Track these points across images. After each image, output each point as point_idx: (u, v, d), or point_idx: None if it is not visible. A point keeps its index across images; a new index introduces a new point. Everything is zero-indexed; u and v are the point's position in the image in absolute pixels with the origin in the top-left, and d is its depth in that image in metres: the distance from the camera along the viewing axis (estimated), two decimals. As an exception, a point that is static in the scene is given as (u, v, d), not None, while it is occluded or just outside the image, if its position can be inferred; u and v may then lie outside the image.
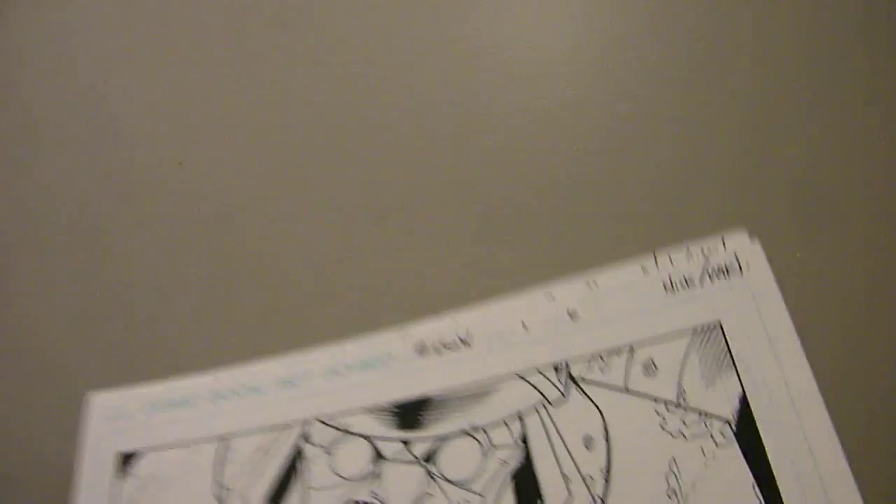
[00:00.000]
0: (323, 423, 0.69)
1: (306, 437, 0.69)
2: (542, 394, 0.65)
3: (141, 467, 0.72)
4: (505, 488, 0.63)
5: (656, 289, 0.66)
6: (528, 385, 0.66)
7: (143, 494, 0.71)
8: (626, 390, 0.63)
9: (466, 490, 0.64)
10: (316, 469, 0.68)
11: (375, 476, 0.66)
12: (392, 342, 0.71)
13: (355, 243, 0.76)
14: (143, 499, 0.71)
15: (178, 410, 0.74)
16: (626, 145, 0.74)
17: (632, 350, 0.64)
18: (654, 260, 0.67)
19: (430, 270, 0.73)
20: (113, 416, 0.76)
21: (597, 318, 0.66)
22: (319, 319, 0.75)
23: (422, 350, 0.70)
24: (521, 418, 0.65)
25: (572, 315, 0.67)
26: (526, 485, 0.63)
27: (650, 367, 0.63)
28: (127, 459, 0.73)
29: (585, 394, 0.64)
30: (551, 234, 0.72)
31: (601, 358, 0.65)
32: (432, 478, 0.65)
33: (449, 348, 0.69)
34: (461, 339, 0.69)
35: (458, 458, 0.65)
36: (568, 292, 0.68)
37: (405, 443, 0.66)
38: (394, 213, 0.77)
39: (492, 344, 0.68)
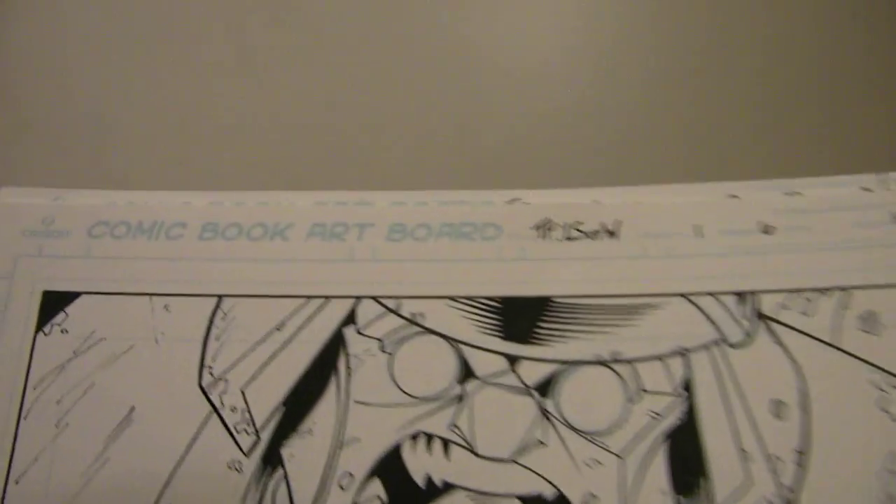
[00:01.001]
0: (381, 304, 0.45)
1: (353, 322, 0.45)
2: (718, 328, 0.45)
3: (74, 318, 0.46)
4: (654, 453, 0.43)
5: (884, 219, 0.47)
6: (700, 313, 0.45)
7: (80, 365, 0.45)
8: (835, 346, 0.44)
9: (598, 445, 0.43)
10: (365, 373, 0.44)
11: (458, 401, 0.44)
12: (499, 209, 0.48)
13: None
14: (85, 366, 0.45)
15: (142, 241, 0.47)
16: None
17: (846, 293, 0.45)
18: (881, 180, 0.48)
19: (566, 122, 0.50)
20: (38, 230, 0.48)
21: (800, 240, 0.46)
22: (387, 155, 0.50)
23: (545, 229, 0.47)
24: (685, 357, 0.44)
25: (766, 230, 0.47)
26: (686, 454, 0.43)
27: (871, 322, 0.45)
28: (55, 304, 0.46)
29: (779, 340, 0.44)
30: (745, 122, 0.50)
31: (803, 296, 0.45)
32: (547, 418, 0.44)
33: (587, 236, 0.47)
34: (606, 229, 0.47)
35: (589, 397, 0.44)
36: (760, 199, 0.48)
37: (510, 360, 0.44)
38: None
39: (649, 245, 0.47)
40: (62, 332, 0.46)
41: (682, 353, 0.45)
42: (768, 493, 0.43)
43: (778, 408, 0.44)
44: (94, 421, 0.45)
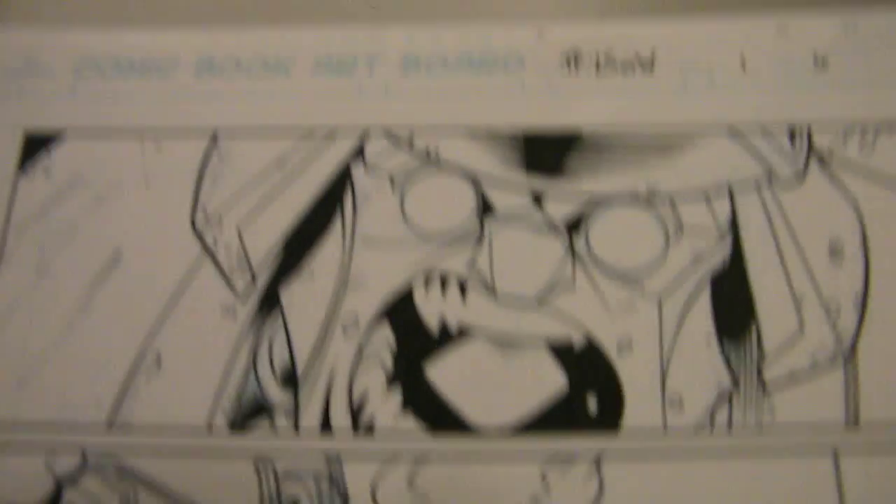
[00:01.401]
0: (392, 136, 0.41)
1: (362, 156, 0.41)
2: (767, 165, 0.40)
3: (58, 160, 0.42)
4: (697, 296, 0.38)
5: (952, 51, 0.42)
6: (747, 148, 0.40)
7: (64, 209, 0.41)
8: None
9: (631, 287, 0.38)
10: (373, 210, 0.40)
11: (477, 239, 0.39)
12: (523, 40, 0.43)
13: None
14: (69, 209, 0.41)
15: (133, 80, 0.43)
16: None
17: None
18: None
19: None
20: (19, 69, 0.44)
21: (858, 74, 0.42)
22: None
23: (574, 61, 0.43)
24: (730, 194, 0.39)
25: (820, 62, 0.42)
26: (732, 296, 0.38)
27: (940, 158, 0.40)
28: (37, 145, 0.42)
29: (834, 178, 0.39)
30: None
31: (862, 131, 0.40)
32: (576, 257, 0.39)
33: (620, 69, 0.42)
34: (640, 60, 0.42)
35: (624, 236, 0.39)
36: (813, 30, 0.42)
37: (535, 195, 0.40)
38: None
39: (689, 77, 0.42)
40: (45, 174, 0.42)
41: (728, 189, 0.40)
42: (824, 339, 0.38)
43: (835, 249, 0.40)
44: (78, 266, 0.41)
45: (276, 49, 0.44)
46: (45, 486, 0.38)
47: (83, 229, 0.41)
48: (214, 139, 0.42)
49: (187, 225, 0.41)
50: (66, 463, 0.38)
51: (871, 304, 0.39)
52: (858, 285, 0.39)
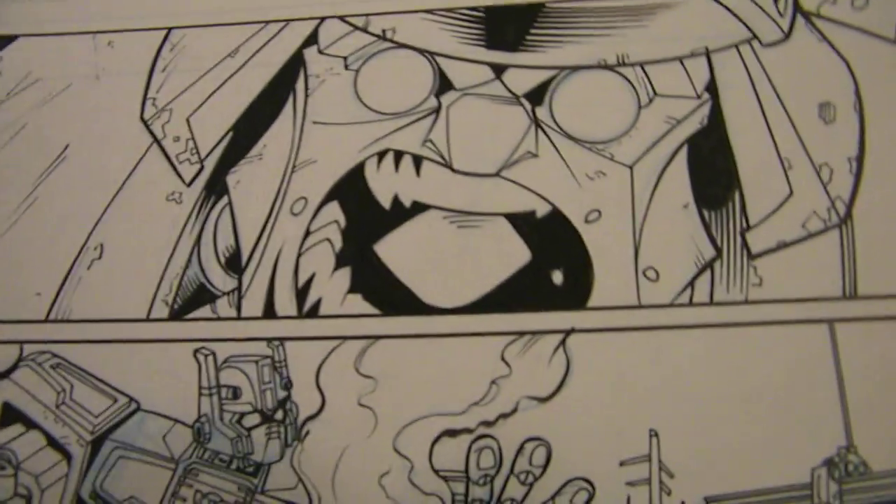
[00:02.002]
0: (347, 23, 0.39)
1: (315, 43, 0.39)
2: (748, 26, 0.36)
3: (8, 60, 0.41)
4: (672, 163, 0.35)
5: None
6: (724, 9, 0.37)
7: (13, 107, 0.40)
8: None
9: (597, 153, 0.35)
10: (325, 92, 0.38)
11: (435, 115, 0.36)
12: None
13: None
14: (18, 107, 0.40)
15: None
16: None
17: None
18: None
19: None
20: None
21: (848, -68, 0.38)
22: None
23: (538, -63, 0.40)
24: (708, 58, 0.36)
25: (806, -78, 0.38)
26: (711, 162, 0.34)
27: (943, 11, 0.36)
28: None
29: (823, 36, 0.35)
30: None
31: (854, -11, 0.36)
32: (540, 128, 0.36)
33: (587, -60, 0.39)
34: (609, -69, 0.39)
35: (590, 104, 0.36)
36: None
37: (496, 69, 0.37)
38: None
39: (663, -56, 0.39)
40: (-4, 74, 0.41)
41: (705, 54, 0.37)
42: (817, 205, 0.34)
43: (826, 110, 0.36)
44: (24, 162, 0.39)
45: (233, -54, 0.42)
46: (-21, 381, 0.36)
47: (31, 125, 0.40)
48: (167, 33, 0.41)
49: (136, 117, 0.39)
50: (3, 358, 0.36)
51: (868, 166, 0.35)
52: (853, 147, 0.35)
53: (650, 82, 0.37)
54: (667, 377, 0.33)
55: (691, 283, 0.34)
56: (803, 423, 0.32)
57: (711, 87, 0.37)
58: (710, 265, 0.34)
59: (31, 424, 0.35)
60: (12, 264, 0.37)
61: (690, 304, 0.34)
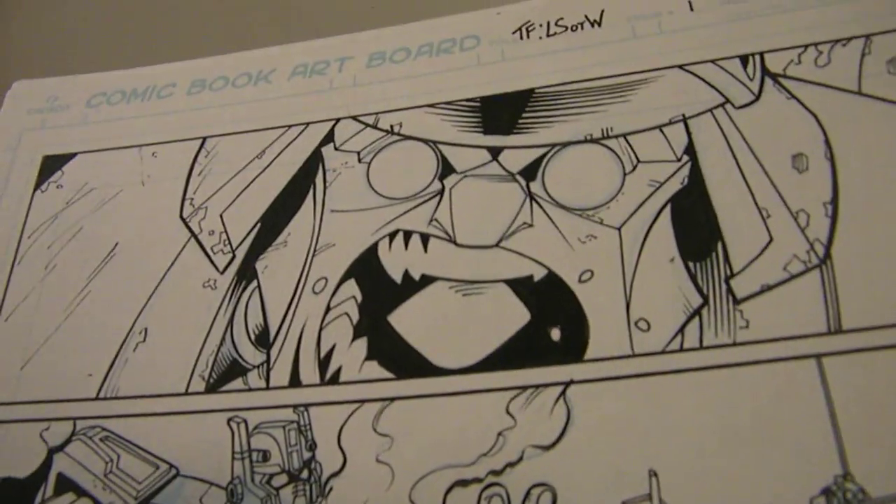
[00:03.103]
0: (359, 121, 0.43)
1: (332, 141, 0.43)
2: (721, 92, 0.40)
3: (69, 174, 0.46)
4: (657, 221, 0.38)
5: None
6: (700, 80, 0.40)
7: (71, 213, 0.45)
8: (860, 93, 0.38)
9: (587, 218, 0.38)
10: (341, 183, 0.42)
11: (439, 196, 0.40)
12: (479, 21, 0.46)
13: None
14: (76, 214, 0.45)
15: (139, 103, 0.48)
16: None
17: (869, 41, 0.39)
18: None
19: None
20: (42, 107, 0.50)
21: (809, -3, 0.41)
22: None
23: (525, 31, 0.45)
24: (685, 124, 0.39)
25: (769, -7, 0.42)
26: (693, 217, 0.37)
27: (901, 65, 0.39)
28: (52, 165, 0.47)
29: (791, 95, 0.39)
30: None
31: (816, 49, 0.39)
32: (534, 201, 0.39)
33: (569, 30, 0.44)
34: (589, 19, 0.44)
35: (579, 175, 0.40)
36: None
37: (492, 151, 0.41)
38: None
39: (637, 25, 0.43)
40: (58, 187, 0.47)
41: (682, 121, 0.41)
42: (797, 248, 0.37)
43: (799, 160, 0.39)
44: (80, 260, 0.44)
45: (259, 64, 0.48)
46: (39, 456, 0.40)
47: (86, 228, 0.45)
48: (203, 142, 0.46)
49: (176, 216, 0.44)
50: (58, 433, 0.40)
51: (843, 208, 0.37)
52: (826, 192, 0.38)
53: (633, 151, 0.40)
54: (663, 419, 0.35)
55: (681, 331, 0.36)
56: (798, 455, 0.33)
57: (690, 150, 0.40)
58: (698, 312, 0.36)
59: (81, 492, 0.38)
60: (68, 350, 0.42)
61: (681, 349, 0.36)
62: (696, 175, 0.39)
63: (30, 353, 0.42)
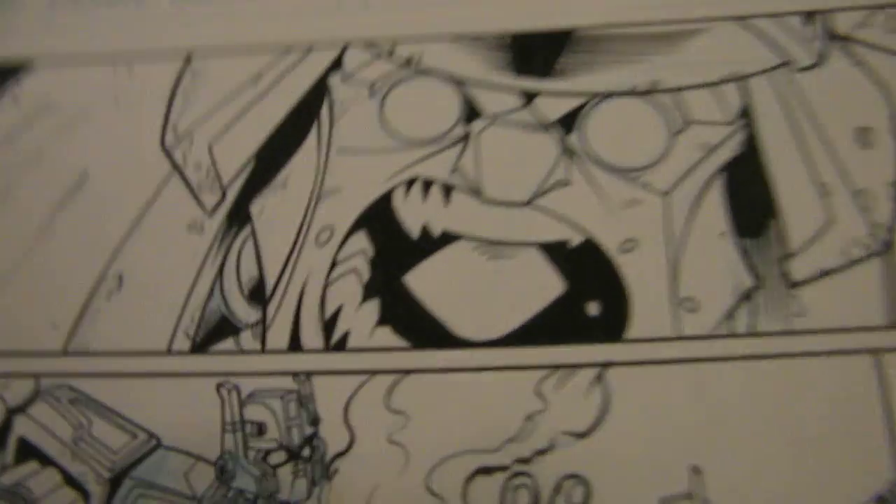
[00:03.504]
0: (372, 48, 0.38)
1: (340, 67, 0.38)
2: (782, 52, 0.36)
3: (27, 87, 0.40)
4: (708, 191, 0.34)
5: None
6: (758, 36, 0.36)
7: (30, 135, 0.39)
8: None
9: (631, 180, 0.34)
10: (350, 119, 0.37)
11: (463, 143, 0.36)
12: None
13: None
14: (36, 135, 0.39)
15: (108, 8, 0.41)
16: None
17: None
18: None
19: None
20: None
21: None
22: None
23: (565, -40, 0.39)
24: (740, 84, 0.35)
25: (837, -53, 0.38)
26: (748, 190, 0.34)
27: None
28: (6, 74, 0.40)
29: (859, 61, 0.35)
30: None
31: (886, 12, 0.36)
32: (571, 155, 0.35)
33: (616, -35, 0.39)
34: (638, -44, 0.39)
35: (623, 131, 0.35)
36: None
37: (526, 96, 0.36)
38: None
39: (692, -31, 0.38)
40: (14, 102, 0.40)
41: (740, 79, 0.36)
42: (857, 232, 0.33)
43: (864, 135, 0.35)
44: (41, 190, 0.38)
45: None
46: (-6, 416, 0.35)
47: (49, 154, 0.39)
48: (188, 60, 0.40)
49: (156, 145, 0.38)
50: (18, 392, 0.35)
51: (911, 190, 0.34)
52: (891, 172, 0.34)
53: (684, 108, 0.36)
54: (708, 411, 0.32)
55: (731, 314, 0.33)
56: (851, 458, 0.31)
57: (745, 113, 0.36)
58: (749, 294, 0.33)
59: (47, 461, 0.34)
60: (29, 295, 0.36)
61: (731, 335, 0.33)
62: (752, 144, 0.35)
63: (-21, 295, 0.36)
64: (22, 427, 0.34)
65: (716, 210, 0.35)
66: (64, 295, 0.36)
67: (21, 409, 0.34)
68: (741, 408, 0.32)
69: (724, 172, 0.35)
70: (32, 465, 0.34)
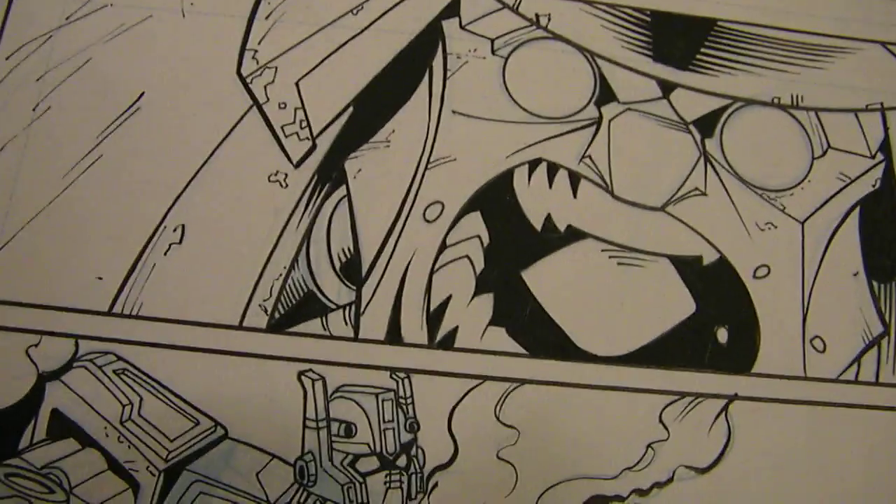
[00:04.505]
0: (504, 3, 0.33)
1: (458, 14, 0.33)
2: (925, 84, 0.34)
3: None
4: (844, 223, 0.32)
5: None
6: (900, 63, 0.34)
7: (74, 35, 0.31)
8: None
9: (769, 201, 0.32)
10: (468, 77, 0.32)
11: (595, 126, 0.32)
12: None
13: None
14: (81, 37, 0.31)
15: None
16: None
17: None
18: None
19: None
20: None
21: None
22: None
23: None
24: (883, 115, 0.33)
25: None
26: (882, 225, 0.32)
27: None
28: None
29: None
30: None
31: None
32: (709, 162, 0.32)
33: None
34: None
35: (763, 144, 0.33)
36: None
37: (663, 86, 0.33)
38: None
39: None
40: None
41: (880, 109, 0.34)
42: None
43: None
44: (87, 108, 0.31)
45: None
46: (25, 382, 0.28)
47: (97, 62, 0.32)
48: (269, -22, 0.33)
49: (232, 71, 0.32)
50: (54, 354, 0.28)
51: None
52: None
53: (824, 132, 0.34)
54: (830, 456, 0.30)
55: (858, 359, 0.31)
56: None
57: (885, 147, 0.34)
58: (877, 341, 0.32)
59: (87, 441, 0.28)
60: (68, 238, 0.30)
61: (856, 381, 0.31)
62: (890, 179, 0.33)
63: (6, 234, 0.29)
64: (57, 397, 0.28)
65: (851, 247, 0.33)
66: (112, 242, 0.30)
67: (56, 375, 0.28)
68: (862, 458, 0.30)
69: (862, 207, 0.33)
70: (70, 444, 0.28)
